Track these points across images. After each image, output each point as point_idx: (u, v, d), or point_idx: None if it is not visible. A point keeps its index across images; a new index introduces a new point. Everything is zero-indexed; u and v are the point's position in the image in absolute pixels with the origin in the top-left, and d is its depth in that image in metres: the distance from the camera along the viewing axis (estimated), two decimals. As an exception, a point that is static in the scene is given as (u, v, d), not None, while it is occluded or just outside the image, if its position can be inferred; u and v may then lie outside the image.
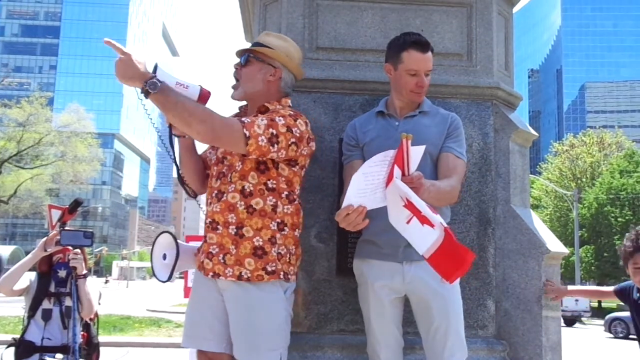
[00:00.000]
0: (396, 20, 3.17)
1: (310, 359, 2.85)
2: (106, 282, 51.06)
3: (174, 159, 2.57)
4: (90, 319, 3.91)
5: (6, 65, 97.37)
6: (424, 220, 2.06)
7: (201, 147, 2.73)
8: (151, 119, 2.52)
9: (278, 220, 2.43)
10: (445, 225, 2.06)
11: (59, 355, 3.57)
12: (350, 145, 2.69)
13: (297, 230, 2.52)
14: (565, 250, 3.34)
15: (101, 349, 4.00)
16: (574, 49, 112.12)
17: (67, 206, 3.76)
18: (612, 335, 19.84)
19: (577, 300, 19.84)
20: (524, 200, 3.31)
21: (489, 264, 3.05)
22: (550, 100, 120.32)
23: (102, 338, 4.12)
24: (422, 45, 2.58)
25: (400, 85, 2.61)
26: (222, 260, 2.39)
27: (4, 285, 3.76)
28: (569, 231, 35.01)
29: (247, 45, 3.83)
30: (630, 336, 18.39)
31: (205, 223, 2.51)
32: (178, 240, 2.59)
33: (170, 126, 2.41)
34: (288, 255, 2.46)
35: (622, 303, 3.38)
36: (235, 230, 2.39)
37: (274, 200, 2.43)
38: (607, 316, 21.08)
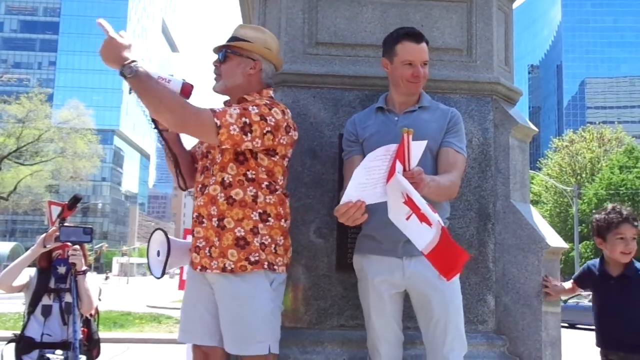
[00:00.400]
0: (396, 15, 3.16)
1: (310, 354, 2.86)
2: (106, 278, 51.10)
3: (165, 148, 2.61)
4: (91, 315, 3.91)
5: (5, 61, 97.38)
6: (422, 218, 2.07)
7: (189, 142, 2.77)
8: (144, 111, 2.56)
9: (260, 210, 2.43)
10: (443, 225, 2.07)
11: (58, 352, 3.58)
12: (350, 140, 2.70)
13: (283, 220, 2.51)
14: (565, 245, 3.34)
15: (101, 345, 4.01)
16: (574, 45, 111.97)
17: (67, 202, 3.76)
18: None
19: (577, 303, 19.84)
20: (524, 196, 3.31)
21: (489, 259, 3.05)
22: (550, 96, 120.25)
23: (102, 334, 4.12)
24: (416, 36, 2.60)
25: (397, 77, 2.62)
26: (208, 254, 2.42)
27: (3, 282, 3.76)
28: (568, 226, 35.07)
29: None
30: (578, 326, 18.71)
31: (193, 217, 2.53)
32: (170, 237, 2.62)
33: (154, 121, 2.47)
34: (273, 246, 2.45)
35: None
36: (217, 222, 2.41)
37: (254, 190, 2.43)
38: None
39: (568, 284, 3.21)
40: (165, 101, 2.25)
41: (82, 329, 3.82)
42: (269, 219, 2.45)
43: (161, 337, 11.68)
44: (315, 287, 2.96)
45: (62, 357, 3.53)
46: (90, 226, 3.75)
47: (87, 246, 3.87)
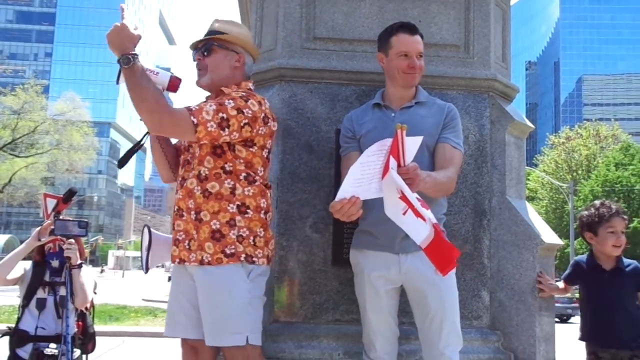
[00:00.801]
0: (394, 10, 3.16)
1: (305, 348, 2.87)
2: (102, 271, 51.05)
3: (152, 141, 2.64)
4: (86, 309, 3.91)
5: (1, 52, 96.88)
6: (417, 213, 2.07)
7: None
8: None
9: (238, 202, 2.43)
10: (435, 222, 2.08)
11: (52, 345, 3.57)
12: (347, 137, 2.70)
13: (263, 212, 2.50)
14: (560, 241, 3.35)
15: (97, 338, 4.00)
16: (572, 42, 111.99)
17: (62, 195, 3.75)
18: None
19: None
20: (520, 192, 3.32)
21: (484, 255, 3.06)
22: (547, 93, 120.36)
23: (97, 327, 4.12)
24: (410, 28, 2.62)
25: (393, 69, 2.62)
26: (187, 247, 2.44)
27: None
28: (564, 223, 35.17)
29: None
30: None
31: (174, 211, 2.55)
32: (155, 233, 2.64)
33: None
34: (252, 238, 2.44)
35: None
36: (194, 215, 2.42)
37: (232, 182, 2.43)
38: None
39: (560, 284, 3.22)
40: (147, 102, 2.26)
41: (78, 322, 3.81)
42: (248, 210, 2.44)
43: (157, 331, 11.68)
44: (311, 282, 2.97)
45: (56, 350, 3.52)
46: (85, 220, 3.74)
47: (82, 239, 3.86)
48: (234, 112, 2.35)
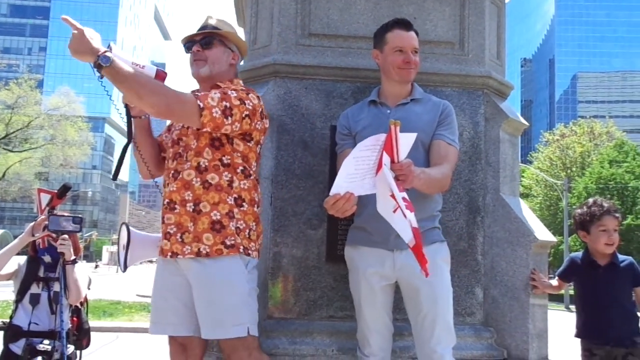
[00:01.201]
0: (389, 7, 3.16)
1: (299, 344, 2.87)
2: (96, 267, 50.90)
3: (132, 138, 2.58)
4: (81, 304, 3.90)
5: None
6: (404, 213, 2.08)
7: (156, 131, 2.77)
8: (112, 99, 2.53)
9: (235, 195, 2.45)
10: (415, 226, 2.09)
11: (45, 341, 3.56)
12: (343, 134, 2.70)
13: (256, 206, 2.53)
14: (553, 238, 3.37)
15: (91, 334, 3.99)
16: (567, 39, 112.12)
17: (56, 191, 3.74)
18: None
19: None
20: (514, 189, 3.33)
21: (478, 252, 3.07)
22: (542, 90, 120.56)
23: (91, 323, 4.11)
24: (405, 24, 2.64)
25: (388, 64, 2.63)
26: (180, 239, 2.41)
27: None
28: (558, 220, 35.25)
29: (240, 29, 3.82)
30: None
31: (163, 204, 2.52)
32: (133, 231, 2.61)
33: (127, 106, 2.48)
34: (248, 231, 2.46)
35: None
36: (192, 207, 2.40)
37: (230, 175, 2.45)
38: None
39: (554, 281, 3.23)
40: (147, 85, 2.24)
41: (72, 318, 3.81)
42: (244, 204, 2.47)
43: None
44: (305, 278, 2.97)
45: (50, 346, 3.52)
46: (80, 215, 3.72)
47: (77, 235, 3.85)
48: (237, 102, 2.38)
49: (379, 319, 2.57)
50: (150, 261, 2.91)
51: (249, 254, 2.44)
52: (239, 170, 2.47)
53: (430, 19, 3.19)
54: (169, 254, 2.45)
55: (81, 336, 3.86)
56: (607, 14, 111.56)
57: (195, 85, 2.66)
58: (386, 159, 2.13)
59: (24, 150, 38.75)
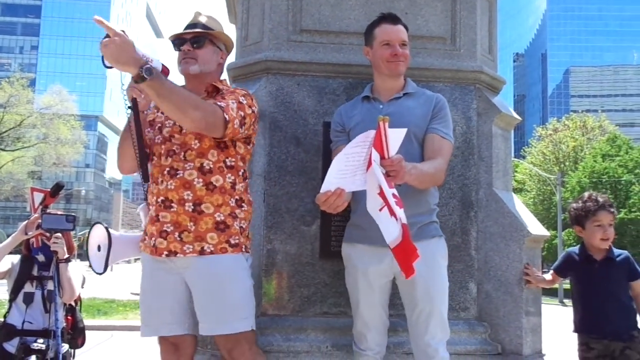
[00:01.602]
0: (380, 2, 3.15)
1: (293, 341, 2.87)
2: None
3: (141, 138, 2.48)
4: (75, 303, 3.89)
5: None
6: (391, 211, 2.07)
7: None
8: (125, 99, 2.46)
9: (237, 197, 2.47)
10: (404, 222, 2.08)
11: (39, 340, 3.55)
12: (337, 131, 2.71)
13: (249, 206, 2.56)
14: (547, 233, 3.38)
15: (86, 332, 3.98)
16: (559, 33, 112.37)
17: (49, 189, 3.73)
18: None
19: None
20: (506, 184, 3.34)
21: (471, 247, 3.07)
22: (535, 84, 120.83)
23: (86, 321, 4.10)
24: (392, 18, 2.66)
25: (378, 59, 2.65)
26: (178, 238, 2.38)
27: None
28: (552, 214, 35.36)
29: (232, 26, 3.81)
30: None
31: (156, 202, 2.43)
32: (111, 231, 2.53)
33: (134, 100, 2.41)
34: (247, 231, 2.52)
35: None
36: (192, 207, 2.38)
37: (233, 177, 2.47)
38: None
39: (548, 276, 3.24)
40: (188, 99, 2.21)
41: (67, 317, 3.80)
42: (243, 204, 2.50)
43: (145, 324, 11.64)
44: (299, 275, 2.97)
45: (44, 345, 3.51)
46: (73, 214, 3.71)
47: (71, 234, 3.83)
48: (249, 111, 2.44)
49: (376, 316, 2.58)
50: (128, 261, 2.83)
51: (248, 252, 2.49)
52: (240, 173, 2.50)
53: (422, 14, 3.19)
54: (166, 252, 2.41)
55: (76, 335, 3.85)
56: (599, 8, 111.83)
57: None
58: (375, 155, 2.12)
59: (17, 149, 38.58)
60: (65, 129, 40.05)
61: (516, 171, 39.73)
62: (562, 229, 29.82)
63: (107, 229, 2.52)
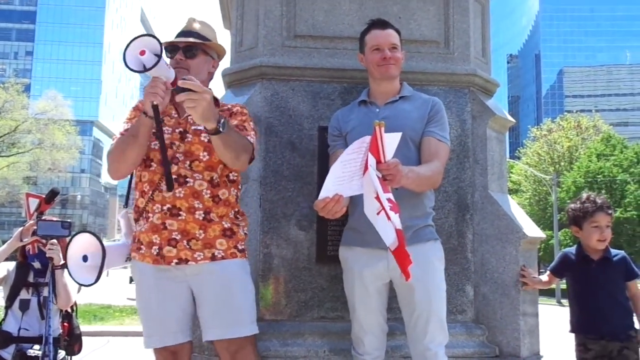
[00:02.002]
0: (374, 7, 3.16)
1: (290, 346, 2.87)
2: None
3: (164, 145, 2.37)
4: (72, 309, 3.89)
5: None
6: (388, 216, 2.09)
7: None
8: (124, 99, 2.41)
9: (236, 209, 2.52)
10: (399, 228, 2.09)
11: (36, 347, 3.54)
12: (334, 135, 2.72)
13: (245, 216, 2.59)
14: (542, 235, 3.39)
15: (82, 339, 3.97)
16: (552, 34, 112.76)
17: (44, 196, 3.72)
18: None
19: None
20: (502, 186, 3.35)
21: (468, 250, 3.08)
22: (529, 85, 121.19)
23: (82, 327, 4.09)
24: (381, 23, 2.68)
25: (369, 64, 2.68)
26: (187, 246, 2.37)
27: None
28: (548, 214, 35.42)
29: (226, 32, 3.81)
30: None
31: (161, 210, 2.38)
32: (106, 242, 2.44)
33: (155, 109, 2.29)
34: (247, 239, 2.56)
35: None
36: (203, 215, 2.39)
37: (235, 191, 2.53)
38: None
39: (544, 277, 3.25)
40: (241, 144, 2.35)
41: (63, 323, 3.79)
42: (238, 216, 2.53)
43: (142, 330, 11.61)
44: (296, 280, 2.97)
45: (40, 352, 3.50)
46: (68, 220, 3.71)
47: (66, 240, 3.83)
48: (254, 131, 2.53)
49: (373, 320, 2.58)
50: (125, 266, 2.71)
51: (247, 258, 2.54)
52: (239, 187, 2.57)
53: (415, 18, 3.20)
54: (176, 260, 2.37)
55: (72, 341, 3.84)
56: (591, 9, 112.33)
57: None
58: (372, 160, 2.13)
59: (12, 155, 38.47)
60: (61, 134, 39.97)
61: (512, 172, 39.79)
62: (558, 229, 29.87)
63: (98, 237, 2.42)
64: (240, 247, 2.46)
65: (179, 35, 2.56)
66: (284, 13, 3.13)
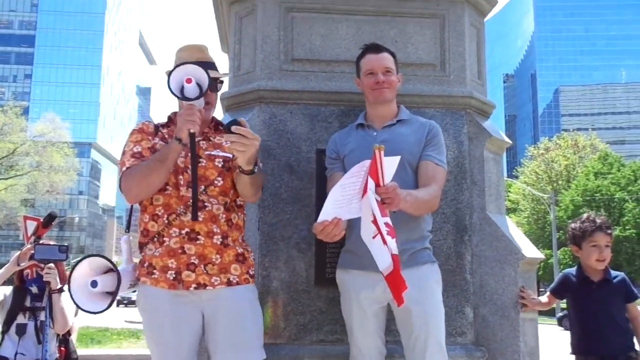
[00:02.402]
0: (371, 31, 3.20)
1: (290, 370, 2.85)
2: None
3: (196, 177, 2.35)
4: (69, 333, 3.86)
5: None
6: (383, 240, 2.09)
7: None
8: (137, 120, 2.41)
9: (243, 233, 2.55)
10: (395, 253, 2.09)
11: None
12: (332, 158, 2.73)
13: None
14: (541, 255, 3.38)
15: (79, 362, 3.94)
16: (547, 54, 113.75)
17: (41, 219, 3.72)
18: (563, 328, 22.76)
19: None
20: (500, 207, 3.35)
21: (466, 271, 3.08)
22: (525, 105, 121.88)
23: (79, 351, 4.06)
24: (375, 47, 2.71)
25: (364, 88, 2.71)
26: (204, 271, 2.37)
27: None
28: (546, 233, 35.41)
29: (225, 55, 3.84)
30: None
31: (179, 234, 2.36)
32: (121, 269, 2.36)
33: (192, 137, 2.28)
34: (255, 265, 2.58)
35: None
36: (220, 239, 2.40)
37: (242, 216, 2.56)
38: (559, 314, 24.23)
39: (544, 298, 3.24)
40: (261, 181, 2.48)
41: (60, 348, 3.77)
42: (244, 240, 2.56)
43: (140, 353, 11.48)
44: (295, 303, 2.96)
45: (37, 377, 3.48)
46: (65, 244, 3.70)
47: (64, 263, 3.82)
48: None
49: (371, 343, 2.56)
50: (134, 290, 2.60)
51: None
52: (245, 211, 2.59)
53: (412, 42, 3.23)
54: (194, 285, 2.36)
55: (69, 366, 3.81)
56: (586, 29, 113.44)
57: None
58: (371, 183, 2.14)
59: (10, 177, 38.46)
60: (59, 156, 40.02)
61: (509, 191, 39.85)
62: (557, 248, 29.81)
63: (111, 262, 2.31)
64: (251, 273, 2.49)
65: (198, 64, 2.38)
66: (282, 37, 3.16)
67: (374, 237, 2.14)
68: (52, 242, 3.72)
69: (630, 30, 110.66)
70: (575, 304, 3.19)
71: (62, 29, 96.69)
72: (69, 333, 3.87)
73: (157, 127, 2.55)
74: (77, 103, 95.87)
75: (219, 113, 3.23)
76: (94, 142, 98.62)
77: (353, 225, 2.42)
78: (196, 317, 2.41)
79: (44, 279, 3.57)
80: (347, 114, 3.08)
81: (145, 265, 2.41)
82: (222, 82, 2.64)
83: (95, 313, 2.24)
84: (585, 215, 3.26)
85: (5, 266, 3.75)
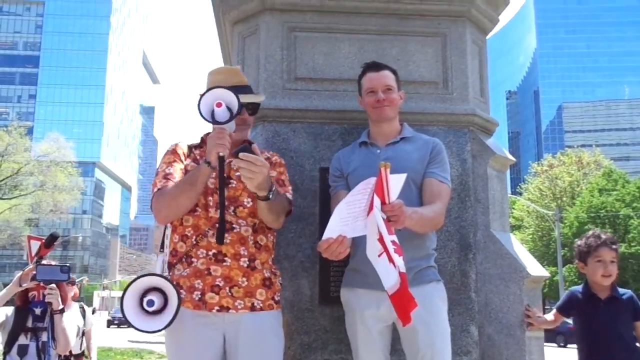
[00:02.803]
0: (373, 50, 3.21)
1: (294, 390, 2.82)
2: (93, 312, 50.17)
3: (223, 200, 2.36)
4: (71, 354, 3.84)
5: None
6: (390, 258, 2.07)
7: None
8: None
9: (273, 255, 2.53)
10: (403, 271, 2.07)
11: None
12: (335, 176, 2.73)
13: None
14: (546, 273, 3.36)
15: (82, 384, 3.92)
16: (550, 71, 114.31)
17: (44, 240, 3.71)
18: (555, 345, 23.84)
19: None
20: (504, 225, 3.34)
21: (471, 289, 3.05)
22: (528, 121, 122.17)
23: (82, 372, 4.04)
24: (375, 66, 2.72)
25: (366, 107, 2.72)
26: (229, 293, 2.36)
27: None
28: (551, 250, 35.24)
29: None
30: (569, 345, 22.42)
31: (206, 255, 2.38)
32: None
33: (222, 158, 2.29)
34: (281, 290, 2.56)
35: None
36: (247, 262, 2.40)
37: (271, 237, 2.54)
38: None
39: (550, 316, 3.21)
40: (282, 206, 2.45)
41: (62, 369, 3.75)
42: (272, 262, 2.55)
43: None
44: (299, 322, 2.94)
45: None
46: (67, 264, 3.69)
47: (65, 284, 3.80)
48: None
49: None
50: None
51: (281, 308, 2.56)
52: (275, 232, 2.58)
53: (414, 60, 3.24)
54: (217, 307, 2.35)
55: (72, 387, 3.79)
56: (587, 45, 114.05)
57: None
58: (377, 201, 2.13)
59: (14, 197, 38.56)
60: (63, 176, 40.16)
61: (514, 208, 39.74)
62: (562, 264, 29.64)
63: (169, 280, 2.19)
64: (276, 299, 2.47)
65: (234, 87, 2.40)
66: (284, 57, 3.18)
67: (379, 256, 2.12)
68: (54, 263, 3.71)
69: (632, 47, 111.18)
70: (582, 322, 3.16)
71: (66, 49, 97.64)
72: (70, 353, 3.84)
73: (190, 148, 2.59)
74: (81, 123, 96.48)
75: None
76: (98, 161, 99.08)
77: (358, 243, 2.41)
78: (217, 338, 2.39)
79: (46, 300, 3.56)
80: (350, 132, 3.08)
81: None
82: (258, 104, 2.63)
83: (151, 332, 2.17)
84: (590, 232, 3.25)
85: (7, 287, 3.74)
